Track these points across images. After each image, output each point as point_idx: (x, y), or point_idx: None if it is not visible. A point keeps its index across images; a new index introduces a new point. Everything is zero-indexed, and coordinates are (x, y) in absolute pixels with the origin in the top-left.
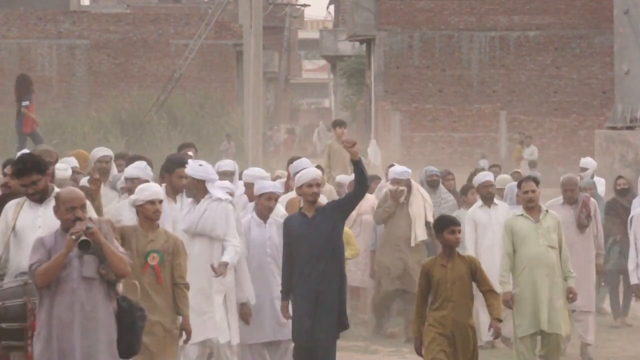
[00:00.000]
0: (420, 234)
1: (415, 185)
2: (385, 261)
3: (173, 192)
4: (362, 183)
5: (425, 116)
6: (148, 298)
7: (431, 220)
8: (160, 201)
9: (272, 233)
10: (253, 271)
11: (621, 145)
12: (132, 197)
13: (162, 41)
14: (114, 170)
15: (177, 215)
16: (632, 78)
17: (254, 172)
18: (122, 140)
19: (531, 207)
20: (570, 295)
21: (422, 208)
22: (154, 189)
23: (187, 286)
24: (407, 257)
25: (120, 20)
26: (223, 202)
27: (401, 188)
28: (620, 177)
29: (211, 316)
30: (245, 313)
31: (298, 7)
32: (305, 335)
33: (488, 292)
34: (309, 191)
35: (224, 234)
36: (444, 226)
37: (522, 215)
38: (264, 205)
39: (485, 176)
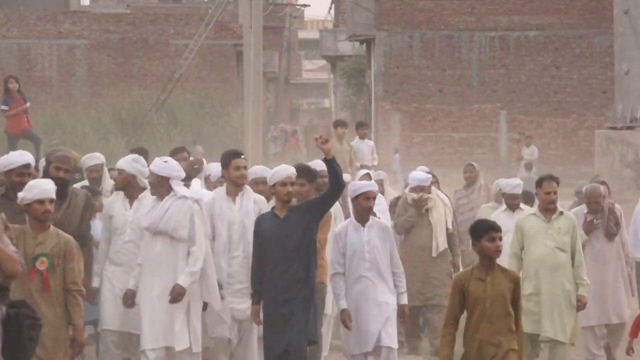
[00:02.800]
0: (442, 242)
1: (435, 190)
2: (405, 274)
3: (234, 189)
4: (336, 183)
5: (425, 116)
6: (35, 307)
7: (450, 227)
8: (51, 200)
9: (371, 236)
10: (350, 279)
11: (621, 145)
12: (20, 194)
13: (162, 41)
14: (107, 176)
15: (234, 217)
16: (632, 78)
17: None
18: (122, 140)
19: (551, 208)
20: (580, 304)
21: (443, 214)
22: (43, 187)
23: (80, 293)
24: (429, 269)
25: (120, 20)
26: (188, 200)
27: (426, 196)
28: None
29: (171, 322)
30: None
31: (298, 7)
32: (275, 341)
33: (515, 325)
34: (282, 190)
35: (187, 234)
36: (482, 232)
37: (534, 214)
38: (362, 206)
39: (515, 181)
